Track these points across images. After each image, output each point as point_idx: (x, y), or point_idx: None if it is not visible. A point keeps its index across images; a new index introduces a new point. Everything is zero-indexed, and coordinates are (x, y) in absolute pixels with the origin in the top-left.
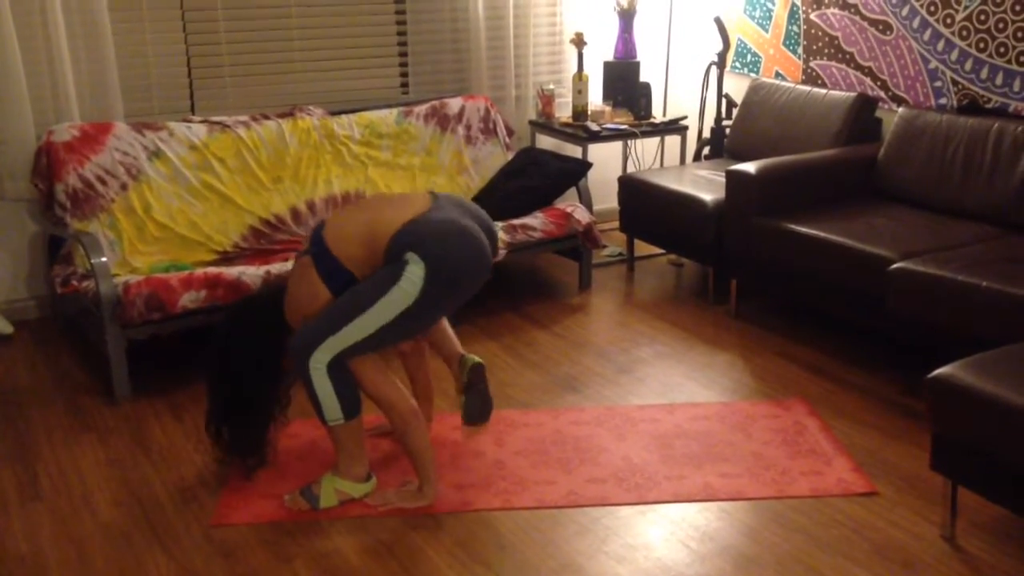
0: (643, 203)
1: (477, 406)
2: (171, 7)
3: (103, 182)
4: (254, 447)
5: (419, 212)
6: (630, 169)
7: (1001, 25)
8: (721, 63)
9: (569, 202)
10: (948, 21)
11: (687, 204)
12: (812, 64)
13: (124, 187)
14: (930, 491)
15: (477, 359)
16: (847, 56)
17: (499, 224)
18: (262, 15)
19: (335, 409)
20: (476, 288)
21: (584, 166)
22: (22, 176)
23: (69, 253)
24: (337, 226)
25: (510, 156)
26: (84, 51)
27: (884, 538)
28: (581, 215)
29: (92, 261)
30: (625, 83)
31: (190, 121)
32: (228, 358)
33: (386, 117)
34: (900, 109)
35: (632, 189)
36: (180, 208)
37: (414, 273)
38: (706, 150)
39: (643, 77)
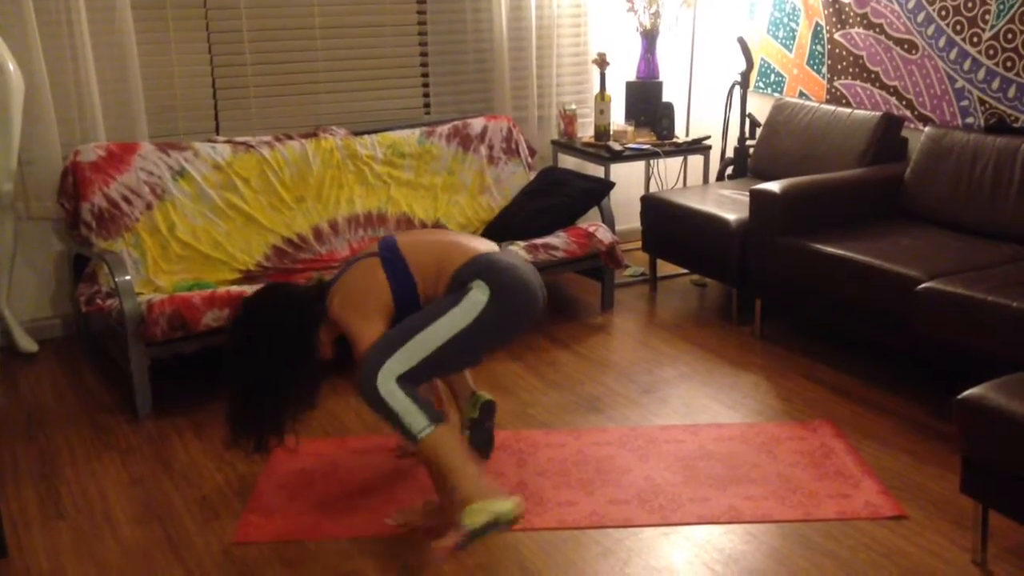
0: (666, 223)
1: (479, 443)
2: (197, 29)
3: (128, 201)
4: (258, 431)
5: (488, 250)
6: (653, 189)
7: None
8: (744, 83)
9: (591, 222)
10: (975, 40)
11: (710, 224)
12: (836, 84)
13: (149, 206)
14: (960, 515)
15: (489, 396)
16: (872, 75)
17: (521, 243)
18: (286, 36)
19: (419, 417)
20: (524, 325)
21: (606, 186)
22: (48, 196)
23: (94, 272)
24: (411, 238)
25: (532, 176)
26: (110, 72)
27: (913, 563)
28: (603, 235)
29: (116, 280)
30: (648, 103)
31: (214, 141)
32: (258, 342)
33: (408, 137)
34: (926, 128)
35: (655, 209)
36: (204, 227)
37: (477, 296)
38: (729, 170)
39: (666, 97)
